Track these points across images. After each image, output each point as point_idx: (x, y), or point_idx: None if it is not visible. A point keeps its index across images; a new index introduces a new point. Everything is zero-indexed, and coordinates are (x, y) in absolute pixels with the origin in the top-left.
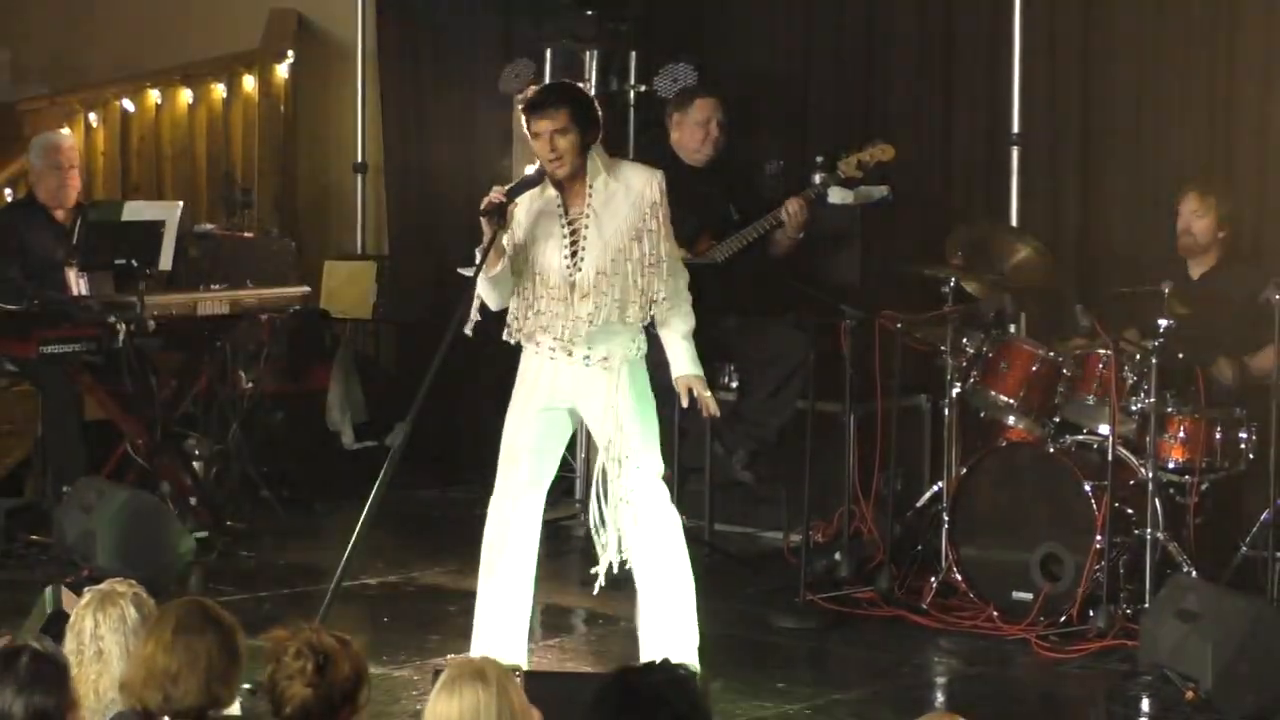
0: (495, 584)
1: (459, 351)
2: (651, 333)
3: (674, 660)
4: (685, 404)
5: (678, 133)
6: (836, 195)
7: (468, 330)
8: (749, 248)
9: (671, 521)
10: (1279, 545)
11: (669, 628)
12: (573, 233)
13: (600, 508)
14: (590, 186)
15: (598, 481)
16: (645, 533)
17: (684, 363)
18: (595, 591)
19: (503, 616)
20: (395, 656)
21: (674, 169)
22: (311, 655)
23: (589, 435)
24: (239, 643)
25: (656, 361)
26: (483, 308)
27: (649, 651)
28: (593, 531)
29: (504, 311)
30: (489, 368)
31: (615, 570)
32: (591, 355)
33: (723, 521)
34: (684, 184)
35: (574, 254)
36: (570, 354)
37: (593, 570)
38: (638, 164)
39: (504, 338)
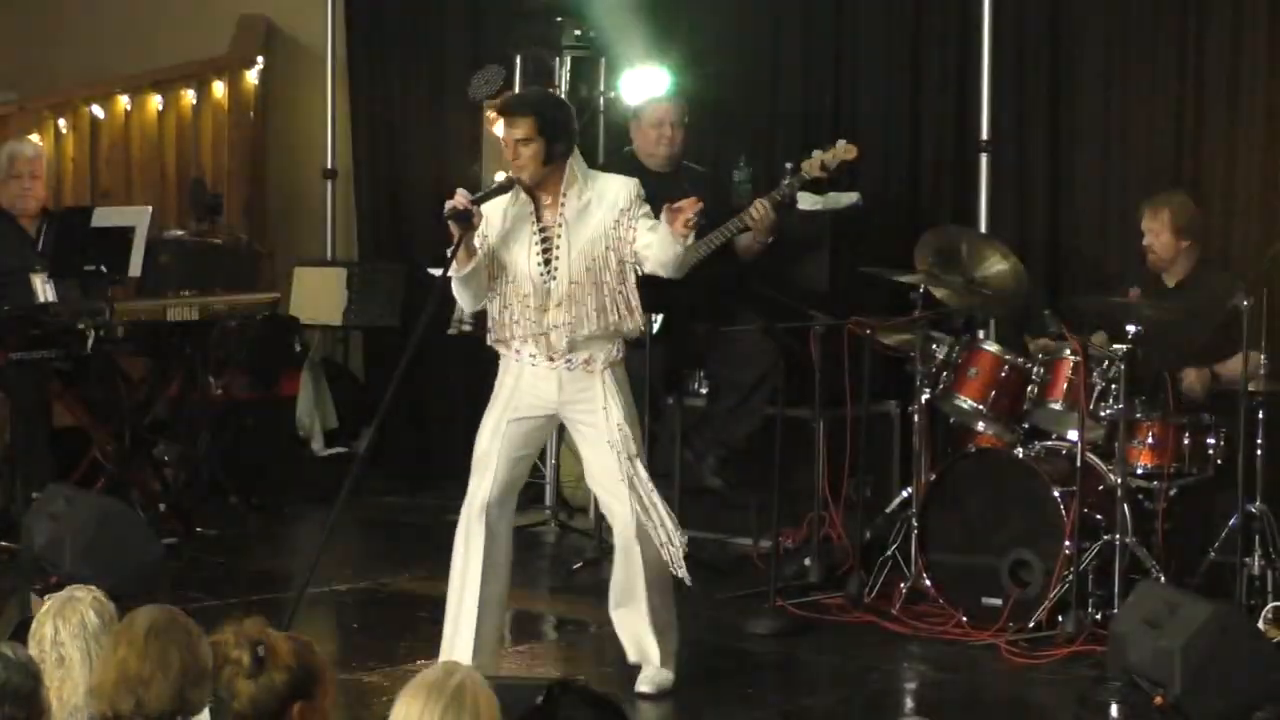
0: (466, 591)
1: (429, 357)
2: (626, 338)
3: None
4: (676, 220)
5: (637, 136)
6: (806, 201)
7: (450, 330)
8: (717, 253)
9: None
10: (1247, 551)
11: (651, 629)
12: (544, 241)
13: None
14: (564, 196)
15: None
16: (619, 543)
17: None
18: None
19: (472, 624)
20: (365, 663)
21: (637, 174)
22: (249, 646)
23: (559, 442)
24: (208, 649)
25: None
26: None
27: (634, 653)
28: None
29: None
30: (459, 373)
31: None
32: (574, 359)
33: (692, 527)
34: (647, 188)
35: (547, 262)
36: (551, 359)
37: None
38: (615, 175)
39: (488, 341)
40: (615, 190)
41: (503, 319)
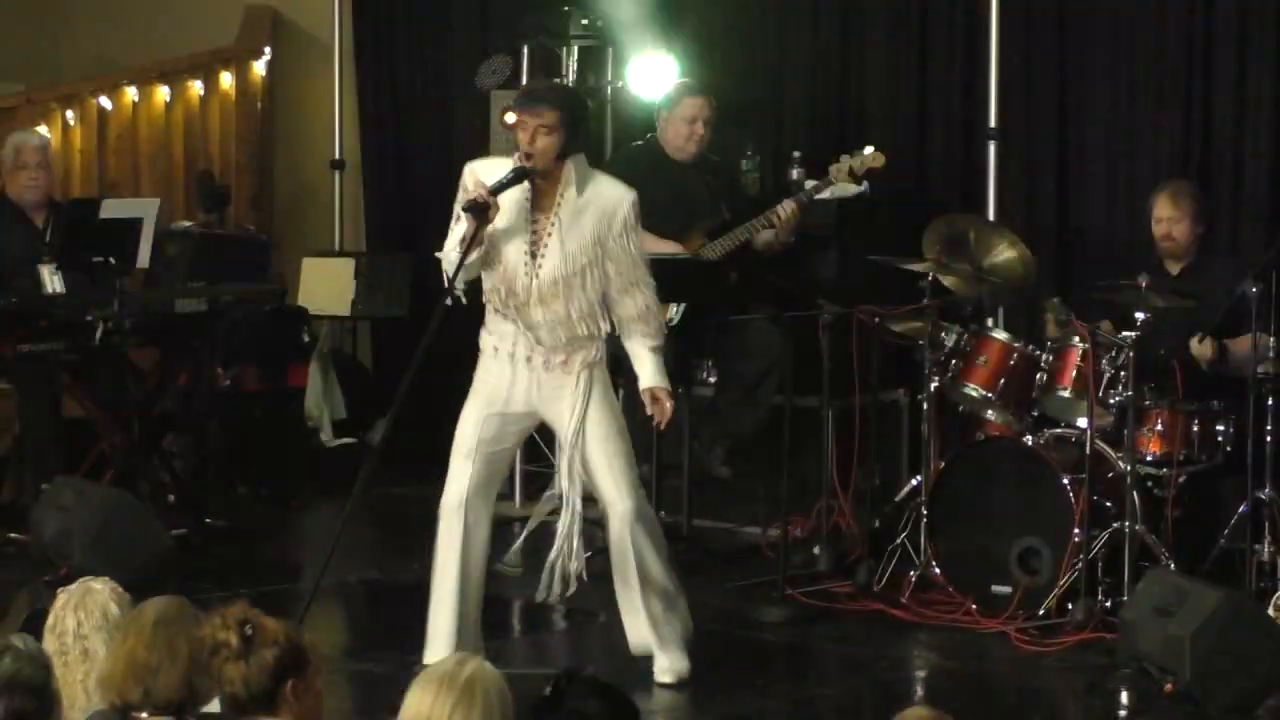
0: (446, 583)
1: (438, 348)
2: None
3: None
4: (650, 412)
5: (667, 128)
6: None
7: (462, 299)
8: (739, 247)
9: (641, 523)
10: (1257, 537)
11: (649, 628)
12: (534, 234)
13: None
14: (562, 195)
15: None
16: (612, 537)
17: (650, 374)
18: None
19: (454, 615)
20: (375, 654)
21: (662, 164)
22: (236, 627)
23: None
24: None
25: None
26: (465, 291)
27: (635, 643)
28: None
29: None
30: (468, 364)
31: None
32: (551, 359)
33: (701, 517)
34: (672, 179)
35: (534, 255)
36: (529, 359)
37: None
38: (613, 179)
39: (483, 299)
40: (615, 199)
41: (493, 297)
